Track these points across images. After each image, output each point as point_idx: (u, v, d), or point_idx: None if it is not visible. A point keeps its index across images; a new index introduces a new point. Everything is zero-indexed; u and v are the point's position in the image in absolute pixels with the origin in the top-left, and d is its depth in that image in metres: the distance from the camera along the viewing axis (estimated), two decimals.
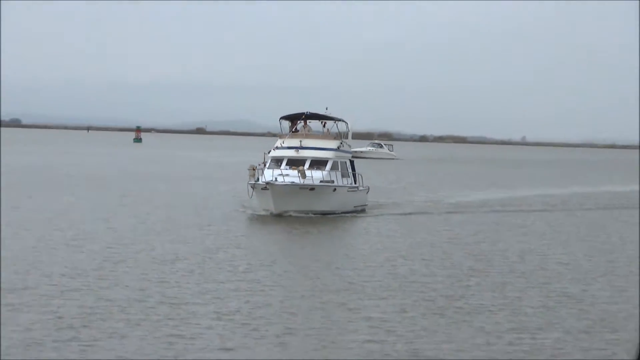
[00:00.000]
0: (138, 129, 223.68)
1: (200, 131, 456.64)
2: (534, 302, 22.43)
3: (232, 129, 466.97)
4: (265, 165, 41.35)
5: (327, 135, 45.35)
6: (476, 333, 18.63)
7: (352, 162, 45.96)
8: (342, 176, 43.03)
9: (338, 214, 40.98)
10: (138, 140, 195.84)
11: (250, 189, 39.50)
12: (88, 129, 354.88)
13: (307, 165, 40.77)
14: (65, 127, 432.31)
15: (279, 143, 43.19)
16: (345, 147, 45.81)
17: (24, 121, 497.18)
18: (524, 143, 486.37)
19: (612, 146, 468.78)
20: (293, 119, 45.74)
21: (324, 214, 39.90)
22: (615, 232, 39.10)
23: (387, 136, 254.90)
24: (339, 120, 47.26)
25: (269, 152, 43.05)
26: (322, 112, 46.82)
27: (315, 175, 40.14)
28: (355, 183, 45.21)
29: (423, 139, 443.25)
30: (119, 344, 16.72)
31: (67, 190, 52.09)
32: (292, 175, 39.35)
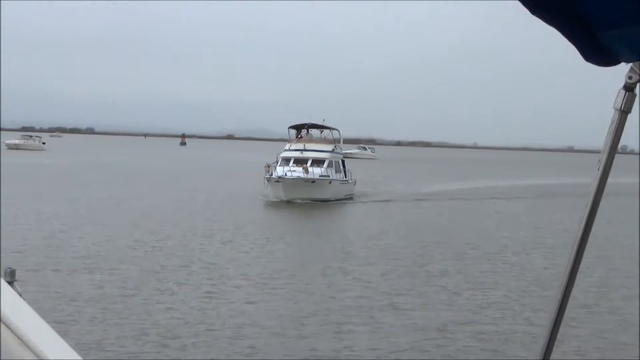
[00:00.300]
0: (183, 136, 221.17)
1: (230, 137, 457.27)
2: (484, 268, 22.38)
3: (254, 136, 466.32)
4: (277, 163, 40.73)
5: (324, 140, 44.75)
6: (441, 290, 18.59)
7: (343, 161, 45.05)
8: (336, 172, 42.50)
9: (333, 200, 40.30)
10: (183, 144, 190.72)
11: (266, 182, 38.88)
12: (145, 135, 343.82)
13: (309, 163, 40.26)
14: (128, 134, 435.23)
15: (287, 146, 42.88)
16: (338, 150, 45.30)
17: (97, 129, 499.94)
18: (475, 147, 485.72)
19: (543, 149, 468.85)
20: (298, 128, 45.61)
21: (322, 201, 39.03)
22: (546, 214, 38.60)
23: (371, 141, 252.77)
24: (333, 129, 47.20)
25: (280, 154, 42.43)
26: (320, 122, 46.45)
27: (316, 171, 39.79)
28: (345, 177, 44.32)
29: (399, 143, 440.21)
30: (170, 298, 16.85)
31: (129, 181, 51.32)
32: (298, 171, 39.16)
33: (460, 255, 24.23)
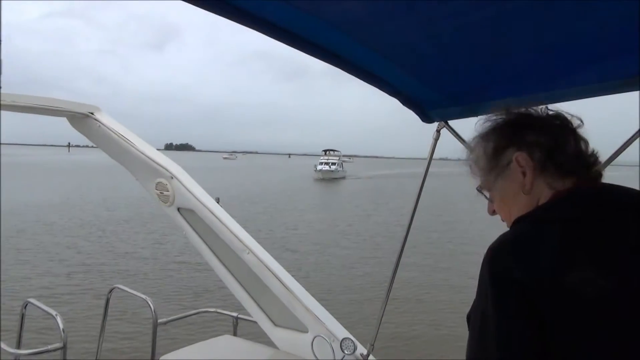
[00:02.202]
0: (289, 154, 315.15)
1: (305, 154, 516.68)
2: (398, 204, 24.67)
3: (314, 154, 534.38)
4: (319, 164, 56.87)
5: (335, 155, 62.16)
6: (378, 207, 22.83)
7: (342, 163, 61.43)
8: (339, 167, 58.01)
9: (339, 178, 54.79)
10: (289, 157, 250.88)
11: (314, 171, 54.80)
12: (290, 154, 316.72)
13: (330, 164, 56.36)
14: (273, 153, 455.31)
15: (322, 158, 60.16)
16: (340, 159, 62.53)
17: (259, 151, 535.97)
18: (397, 157, 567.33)
19: (393, 157, 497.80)
20: (326, 150, 63.89)
21: (335, 178, 53.70)
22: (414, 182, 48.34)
23: (354, 155, 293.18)
24: (338, 150, 66.51)
25: (320, 160, 59.41)
26: (334, 147, 62.78)
27: (332, 167, 55.65)
28: (343, 169, 60.16)
29: (366, 156, 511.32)
30: (289, 213, 20.13)
31: (268, 169, 72.29)
32: (326, 167, 54.86)
33: (397, 196, 30.43)
